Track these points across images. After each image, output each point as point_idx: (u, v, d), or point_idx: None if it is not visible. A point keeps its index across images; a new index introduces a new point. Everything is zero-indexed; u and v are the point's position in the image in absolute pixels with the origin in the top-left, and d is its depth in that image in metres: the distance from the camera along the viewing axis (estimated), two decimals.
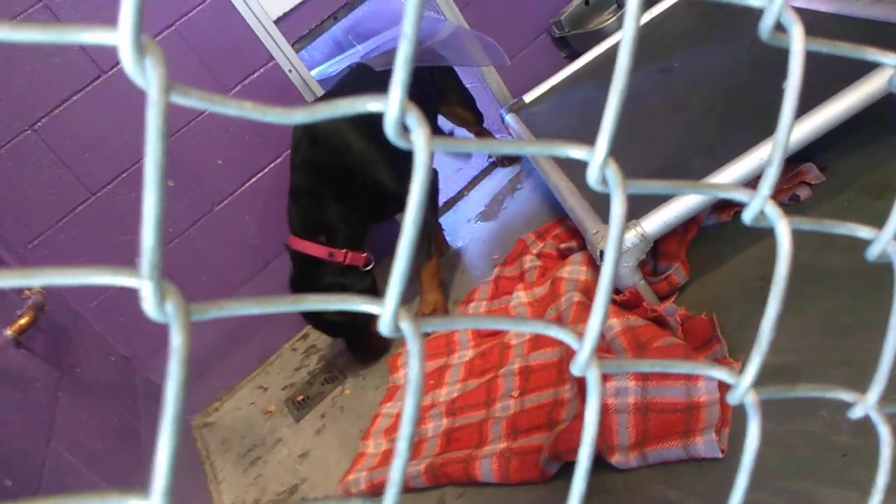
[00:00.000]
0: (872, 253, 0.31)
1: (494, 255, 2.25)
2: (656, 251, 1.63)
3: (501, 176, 2.74)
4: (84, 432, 1.71)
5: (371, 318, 2.07)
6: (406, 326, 0.25)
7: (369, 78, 2.26)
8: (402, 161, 2.13)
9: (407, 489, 1.56)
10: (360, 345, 2.16)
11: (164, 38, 2.27)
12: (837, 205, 1.46)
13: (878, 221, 1.32)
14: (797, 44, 0.27)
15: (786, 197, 1.53)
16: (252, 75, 2.40)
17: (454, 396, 1.72)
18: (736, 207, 1.62)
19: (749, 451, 0.29)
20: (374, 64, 2.33)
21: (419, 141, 0.23)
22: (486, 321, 0.28)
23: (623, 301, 1.52)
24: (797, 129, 1.36)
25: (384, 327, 0.25)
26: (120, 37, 0.20)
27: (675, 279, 1.54)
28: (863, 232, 0.31)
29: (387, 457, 1.69)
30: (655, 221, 1.42)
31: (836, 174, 1.53)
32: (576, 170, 1.80)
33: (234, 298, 0.23)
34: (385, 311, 0.24)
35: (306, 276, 2.06)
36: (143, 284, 0.21)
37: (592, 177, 0.26)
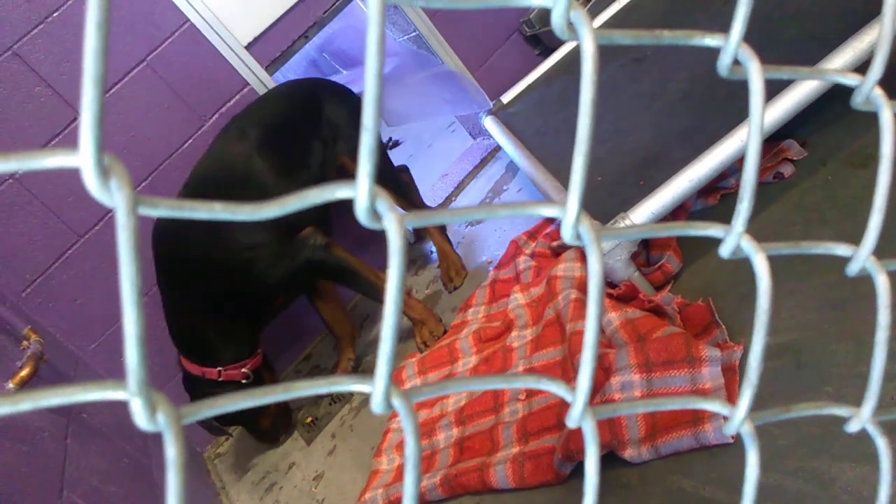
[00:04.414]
0: (852, 270, 0.31)
1: (487, 260, 2.25)
2: (648, 241, 1.63)
3: (486, 179, 2.75)
4: (96, 477, 1.71)
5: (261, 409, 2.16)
6: (399, 403, 0.25)
7: None
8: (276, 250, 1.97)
9: (424, 502, 1.56)
10: (259, 430, 2.22)
11: (136, 75, 2.26)
12: (821, 178, 1.46)
13: (863, 192, 1.31)
14: (756, 81, 0.27)
15: (770, 175, 1.53)
16: (228, 102, 2.39)
17: (462, 405, 1.72)
18: (723, 191, 1.62)
19: (750, 482, 0.29)
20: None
21: (391, 226, 0.23)
22: (476, 382, 0.28)
23: (619, 295, 1.52)
24: (776, 107, 1.36)
25: (376, 406, 0.25)
26: (82, 160, 0.20)
27: (668, 268, 1.54)
28: (840, 249, 0.31)
29: (401, 472, 1.70)
30: (644, 212, 1.43)
31: (816, 147, 1.53)
32: (560, 167, 1.81)
33: (223, 395, 0.23)
34: (376, 391, 0.24)
35: (188, 390, 2.13)
36: (134, 401, 0.21)
37: (567, 234, 0.26)
